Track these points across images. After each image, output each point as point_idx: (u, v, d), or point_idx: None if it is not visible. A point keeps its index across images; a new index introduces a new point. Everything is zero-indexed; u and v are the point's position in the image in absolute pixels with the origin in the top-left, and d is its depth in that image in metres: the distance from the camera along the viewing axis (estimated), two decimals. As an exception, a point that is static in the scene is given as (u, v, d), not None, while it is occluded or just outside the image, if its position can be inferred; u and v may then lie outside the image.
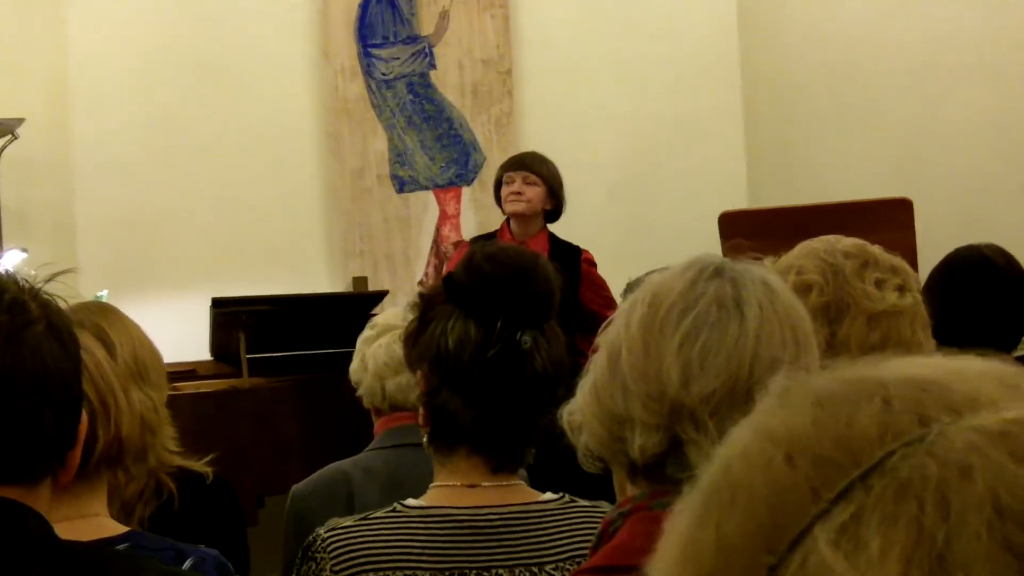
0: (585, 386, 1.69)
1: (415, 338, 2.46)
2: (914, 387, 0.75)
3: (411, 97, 8.06)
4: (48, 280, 1.68)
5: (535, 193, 6.15)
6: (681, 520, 0.79)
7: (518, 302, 2.38)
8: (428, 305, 2.45)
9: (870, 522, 0.69)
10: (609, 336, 1.69)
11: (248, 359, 6.22)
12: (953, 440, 0.70)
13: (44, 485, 1.61)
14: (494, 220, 7.17)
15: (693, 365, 1.60)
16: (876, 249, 2.48)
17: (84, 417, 1.65)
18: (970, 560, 0.66)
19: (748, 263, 1.70)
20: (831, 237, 2.50)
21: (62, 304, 1.71)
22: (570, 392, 1.80)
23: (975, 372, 0.76)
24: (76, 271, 1.81)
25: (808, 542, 0.70)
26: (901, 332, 2.38)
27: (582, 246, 6.31)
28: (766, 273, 1.70)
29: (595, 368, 1.68)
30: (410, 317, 2.51)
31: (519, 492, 2.49)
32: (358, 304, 6.68)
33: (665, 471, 1.61)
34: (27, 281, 1.65)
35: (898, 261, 2.47)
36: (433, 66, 8.10)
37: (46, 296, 1.64)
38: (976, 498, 0.67)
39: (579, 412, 1.69)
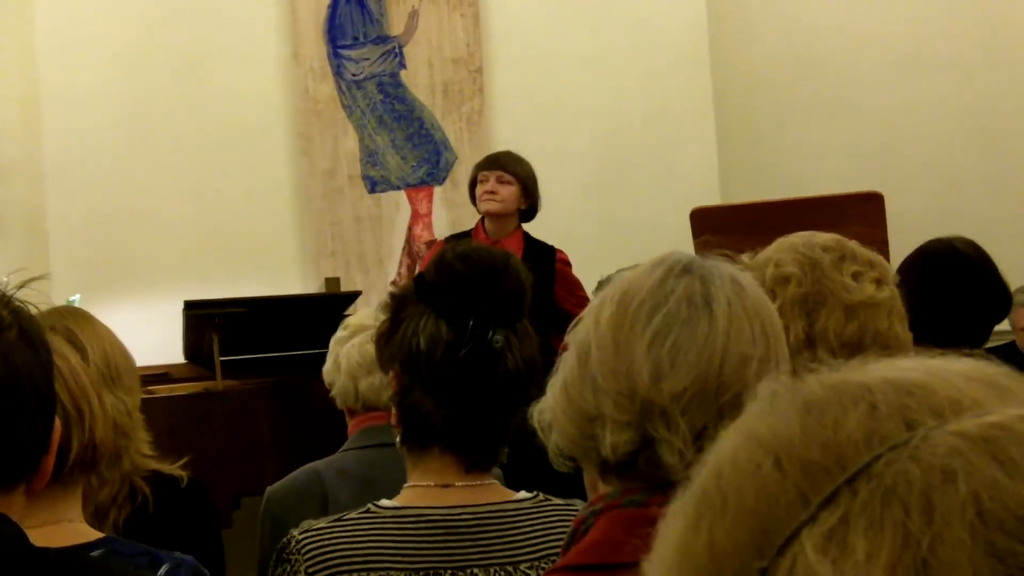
0: (555, 385, 1.68)
1: (387, 338, 2.46)
2: (899, 391, 0.75)
3: (381, 97, 8.06)
4: (20, 287, 1.67)
5: (509, 192, 6.14)
6: (675, 524, 0.80)
7: (489, 301, 2.38)
8: (399, 305, 2.45)
9: (856, 527, 0.69)
10: (579, 335, 1.69)
11: (221, 361, 6.20)
12: (937, 445, 0.70)
13: (18, 491, 1.60)
14: (466, 219, 7.17)
15: (664, 363, 1.59)
16: (853, 244, 2.49)
17: (57, 423, 1.65)
18: (954, 565, 0.66)
19: (717, 260, 1.70)
20: (808, 233, 2.51)
21: (33, 310, 1.71)
22: (542, 391, 1.80)
23: (958, 374, 0.77)
24: (48, 277, 1.80)
25: (796, 547, 0.71)
26: (878, 324, 2.38)
27: (554, 242, 6.30)
28: (734, 270, 1.70)
29: (565, 366, 1.68)
30: (382, 317, 2.50)
31: (493, 491, 2.48)
32: (331, 305, 6.67)
33: (637, 469, 1.61)
34: None
35: (875, 255, 2.48)
36: (403, 66, 8.09)
37: (17, 303, 1.64)
38: (959, 503, 0.68)
39: (549, 410, 1.68)
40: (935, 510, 0.68)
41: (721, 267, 1.69)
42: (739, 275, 1.70)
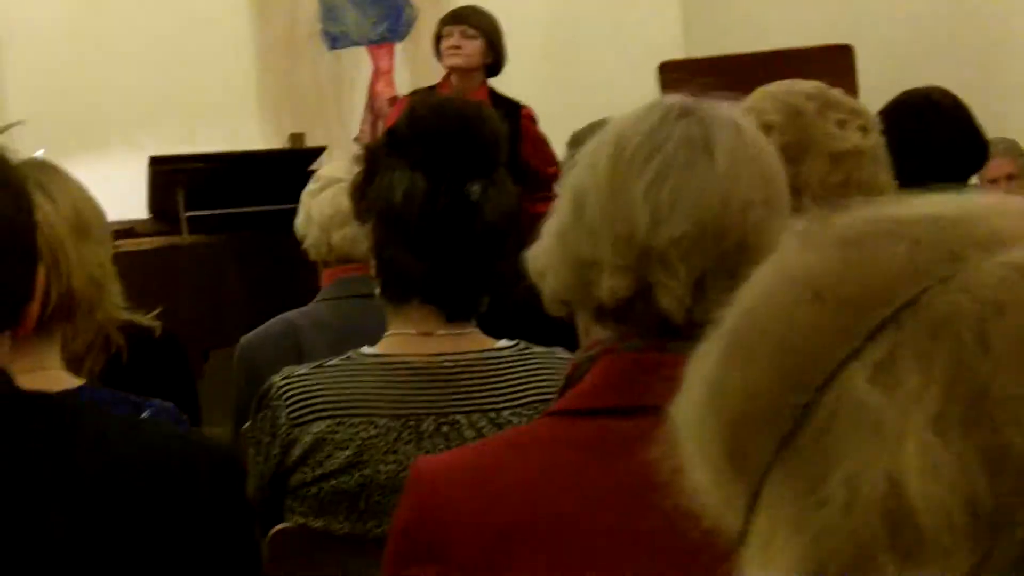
0: (550, 230, 1.65)
1: (362, 192, 2.44)
2: (938, 224, 0.73)
3: (342, -49, 7.95)
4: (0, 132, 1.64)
5: (474, 47, 6.10)
6: (704, 364, 0.78)
7: (464, 152, 2.36)
8: (373, 157, 2.43)
9: (906, 358, 0.68)
10: (573, 180, 1.66)
11: (187, 217, 6.17)
12: (986, 276, 0.69)
13: (3, 338, 1.58)
14: (428, 75, 7.10)
15: (662, 207, 1.57)
16: (836, 91, 2.47)
17: (40, 271, 1.62)
18: (1011, 397, 0.65)
19: (716, 103, 1.67)
20: (789, 81, 2.49)
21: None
22: (520, 240, 1.78)
23: (990, 207, 0.75)
24: (23, 123, 1.77)
25: (840, 380, 0.69)
26: (863, 173, 2.38)
27: (517, 98, 6.26)
28: (735, 113, 1.67)
29: (559, 212, 1.65)
30: (356, 169, 2.48)
31: (474, 339, 2.48)
32: (295, 160, 6.64)
33: (634, 314, 1.59)
34: None
35: (857, 103, 2.47)
36: (363, -84, 7.97)
37: None
38: (1011, 334, 0.66)
39: (544, 255, 1.66)
40: (991, 340, 0.66)
41: (720, 110, 1.66)
42: (739, 118, 1.67)
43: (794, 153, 2.36)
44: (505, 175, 2.45)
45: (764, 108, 2.42)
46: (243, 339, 3.45)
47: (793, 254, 0.77)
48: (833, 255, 0.74)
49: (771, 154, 1.68)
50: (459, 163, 2.36)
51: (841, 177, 2.36)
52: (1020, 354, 0.66)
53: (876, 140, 2.43)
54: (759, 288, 0.77)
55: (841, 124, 2.40)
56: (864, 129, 2.41)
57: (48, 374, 2.24)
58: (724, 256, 1.56)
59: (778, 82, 2.52)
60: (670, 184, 1.58)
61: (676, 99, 1.67)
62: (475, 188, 2.36)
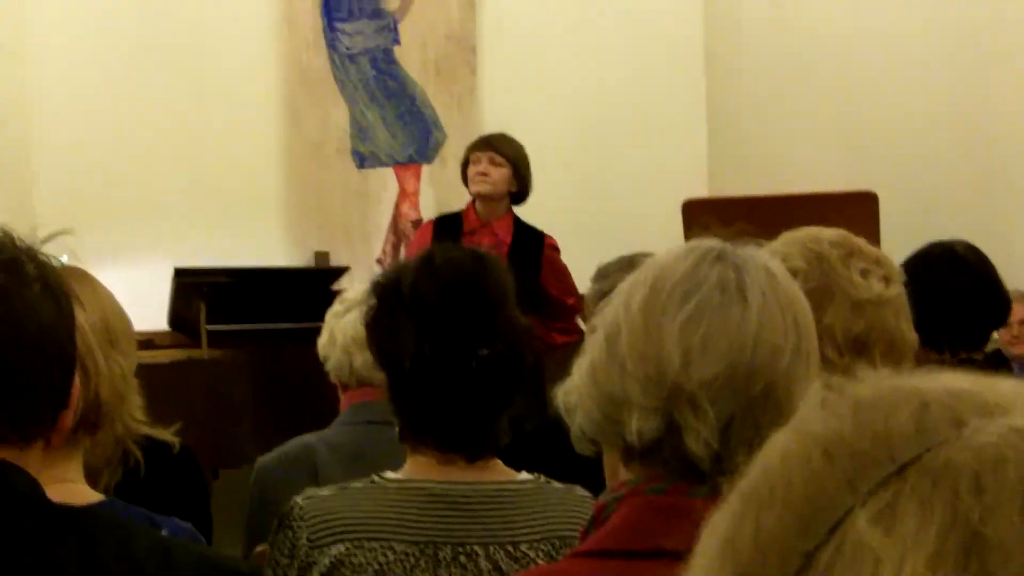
0: (582, 366, 1.67)
1: (374, 341, 2.48)
2: (950, 393, 0.77)
3: (374, 72, 8.04)
4: (45, 240, 1.66)
5: (501, 175, 6.13)
6: (720, 520, 0.81)
7: (470, 318, 2.40)
8: (384, 307, 2.46)
9: (907, 506, 0.71)
10: (607, 317, 1.68)
11: (207, 330, 6.19)
12: (987, 435, 0.72)
13: (36, 447, 1.59)
14: (453, 198, 7.16)
15: (695, 349, 1.59)
16: (860, 240, 2.49)
17: (76, 380, 1.64)
18: (1005, 544, 0.68)
19: (750, 248, 1.70)
20: (814, 228, 2.51)
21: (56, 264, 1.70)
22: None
23: (1009, 385, 0.78)
24: (73, 232, 1.80)
25: (847, 524, 0.72)
26: (886, 322, 2.38)
27: (540, 227, 6.30)
28: (768, 259, 1.70)
29: (592, 348, 1.67)
30: (371, 302, 2.51)
31: (495, 470, 2.49)
32: (318, 279, 6.67)
33: (661, 456, 1.61)
34: (23, 240, 1.63)
35: (881, 253, 2.48)
36: (397, 41, 8.08)
37: (43, 256, 1.63)
38: (1009, 486, 0.69)
39: (575, 392, 1.67)
40: (985, 490, 0.69)
41: (755, 256, 1.68)
42: (772, 265, 1.69)
43: (817, 300, 2.37)
44: (512, 321, 2.47)
45: (789, 253, 2.44)
46: (260, 460, 3.46)
47: (810, 416, 0.81)
48: (846, 417, 0.78)
49: (803, 302, 1.70)
50: (465, 330, 2.40)
51: (863, 326, 2.37)
52: (1013, 504, 0.69)
53: (898, 291, 2.44)
54: (777, 446, 0.81)
55: (864, 273, 2.41)
56: (887, 279, 2.43)
57: (70, 487, 2.24)
58: (752, 402, 1.58)
59: (803, 228, 2.53)
60: (703, 326, 1.60)
61: (712, 243, 1.70)
62: (484, 355, 2.39)
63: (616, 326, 1.64)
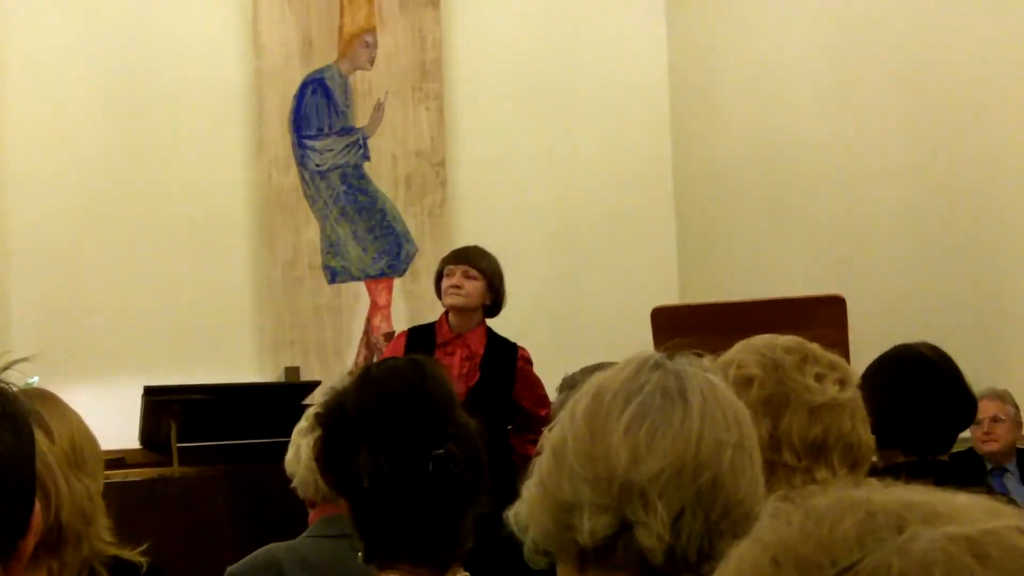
0: (530, 484, 1.70)
1: (326, 467, 2.48)
2: (898, 503, 0.80)
3: (344, 188, 8.10)
4: (4, 369, 1.66)
5: (474, 287, 6.13)
6: None
7: (418, 427, 2.40)
8: (332, 433, 2.46)
9: None
10: (552, 435, 1.71)
11: (178, 448, 6.18)
12: (922, 541, 0.74)
13: None
14: (425, 311, 7.19)
15: (640, 446, 1.62)
16: (814, 346, 2.51)
17: (37, 506, 1.63)
18: None
19: (687, 360, 1.73)
20: (769, 336, 2.53)
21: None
22: (510, 480, 1.80)
23: (959, 498, 0.81)
24: (31, 359, 1.80)
25: None
26: (842, 425, 2.40)
27: (512, 338, 6.31)
28: (704, 369, 1.74)
29: (539, 466, 1.70)
30: (316, 435, 2.51)
31: (461, 581, 2.49)
32: (289, 393, 6.66)
33: (615, 555, 1.62)
34: None
35: (836, 357, 2.50)
36: (367, 157, 8.14)
37: (2, 383, 1.63)
38: None
39: (525, 508, 1.69)
40: None
41: (692, 365, 1.72)
42: (709, 374, 1.73)
43: (774, 407, 2.40)
44: (462, 420, 2.49)
45: (744, 360, 2.47)
46: (229, 569, 3.45)
47: (764, 526, 0.83)
48: (795, 522, 0.81)
49: (739, 402, 1.74)
50: (417, 439, 2.40)
51: (819, 430, 2.39)
52: None
53: (853, 394, 2.46)
54: (734, 555, 0.84)
55: (819, 378, 2.44)
56: (842, 383, 2.45)
57: (32, 611, 2.23)
58: (700, 493, 1.61)
59: (759, 336, 2.56)
60: (647, 425, 1.64)
61: (652, 353, 1.73)
62: (438, 455, 2.40)
63: (562, 437, 1.67)
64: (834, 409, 2.41)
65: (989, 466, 7.11)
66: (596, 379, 1.72)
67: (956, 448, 3.87)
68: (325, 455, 2.46)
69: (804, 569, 0.77)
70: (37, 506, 1.62)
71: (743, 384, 2.37)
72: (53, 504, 2.30)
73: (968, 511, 0.78)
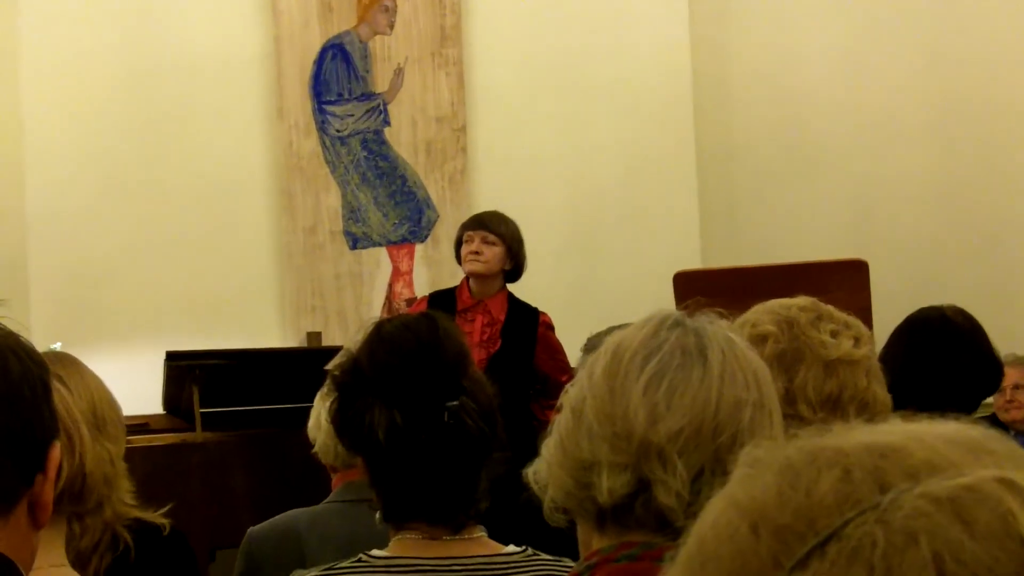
0: (550, 443, 1.70)
1: (342, 429, 2.48)
2: (874, 454, 0.78)
3: (365, 154, 8.09)
4: None
5: (494, 253, 6.12)
6: None
7: (432, 381, 2.40)
8: (346, 394, 2.45)
9: None
10: (571, 394, 1.71)
11: (201, 413, 6.20)
12: (904, 507, 0.73)
13: (17, 518, 1.54)
14: (446, 277, 7.19)
15: (659, 405, 1.62)
16: (829, 306, 2.51)
17: (56, 446, 1.59)
18: None
19: (707, 319, 1.73)
20: (784, 298, 2.54)
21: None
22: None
23: (939, 436, 0.79)
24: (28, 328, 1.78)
25: None
26: (857, 382, 2.40)
27: (533, 303, 6.30)
28: (725, 327, 1.73)
29: (559, 424, 1.70)
30: (329, 399, 2.51)
31: (482, 544, 2.49)
32: (312, 359, 6.66)
33: (634, 514, 1.62)
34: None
35: (851, 317, 2.50)
36: (387, 123, 8.13)
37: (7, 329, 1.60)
38: (920, 563, 0.70)
39: (544, 466, 1.69)
40: (894, 571, 0.70)
41: (712, 323, 1.72)
42: (730, 332, 1.73)
43: (789, 361, 2.40)
44: (476, 375, 2.49)
45: (759, 320, 2.47)
46: (251, 530, 3.46)
47: (739, 483, 0.82)
48: (771, 484, 0.79)
49: (759, 361, 1.73)
50: (431, 391, 2.39)
51: (835, 384, 2.39)
52: None
53: (869, 352, 2.46)
54: (709, 516, 0.82)
55: (834, 334, 2.43)
56: (857, 340, 2.45)
57: (58, 572, 2.23)
58: (719, 452, 1.61)
59: (774, 300, 2.56)
60: (666, 383, 1.63)
61: (672, 311, 1.73)
62: (453, 406, 2.40)
63: (581, 397, 1.67)
64: (849, 365, 2.40)
65: (1012, 433, 7.09)
66: (615, 337, 1.71)
67: (978, 414, 3.85)
68: (341, 415, 2.46)
69: (784, 540, 0.75)
70: (56, 446, 1.59)
71: (758, 341, 2.37)
72: (77, 450, 2.31)
73: (949, 453, 0.76)
